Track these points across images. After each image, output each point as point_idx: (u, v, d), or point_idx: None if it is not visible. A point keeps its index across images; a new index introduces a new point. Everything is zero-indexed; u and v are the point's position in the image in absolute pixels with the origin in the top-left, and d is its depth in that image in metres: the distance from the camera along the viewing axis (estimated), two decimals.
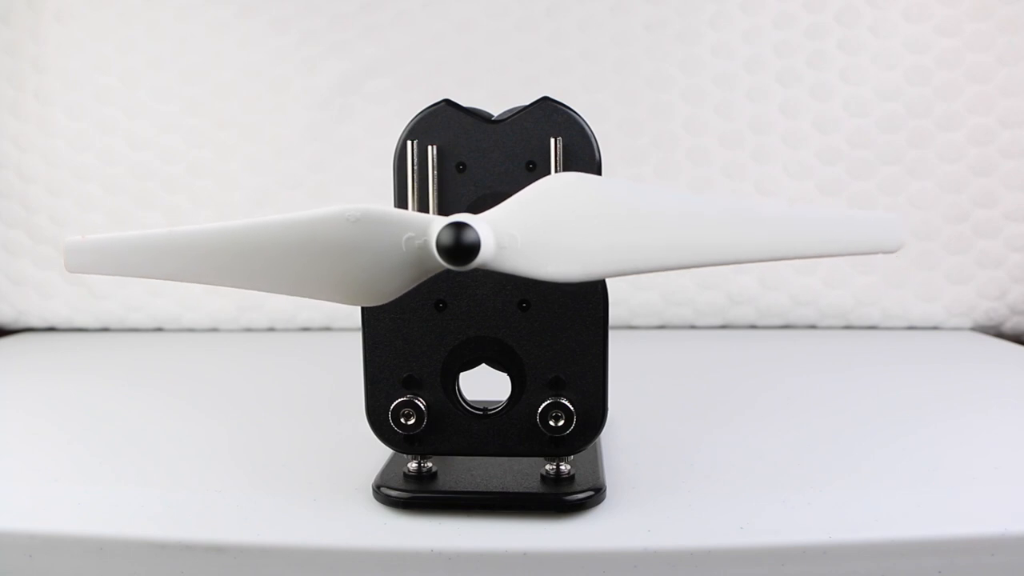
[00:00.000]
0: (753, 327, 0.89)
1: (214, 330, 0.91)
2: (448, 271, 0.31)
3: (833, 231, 0.31)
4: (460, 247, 0.29)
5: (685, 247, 0.31)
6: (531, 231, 0.31)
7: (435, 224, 0.30)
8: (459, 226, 0.29)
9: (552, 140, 0.38)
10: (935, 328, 0.88)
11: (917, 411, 0.55)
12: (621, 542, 0.36)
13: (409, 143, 0.39)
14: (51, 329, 0.93)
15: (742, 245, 0.31)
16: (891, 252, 0.32)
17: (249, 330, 0.91)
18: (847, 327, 0.89)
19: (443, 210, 0.39)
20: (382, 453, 0.43)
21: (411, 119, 0.40)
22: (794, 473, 0.43)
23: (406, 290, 0.32)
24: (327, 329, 0.91)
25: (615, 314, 0.85)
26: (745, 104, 0.87)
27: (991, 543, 0.36)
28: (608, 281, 0.38)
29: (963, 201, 0.86)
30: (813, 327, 0.89)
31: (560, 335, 0.38)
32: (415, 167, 0.39)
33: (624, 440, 0.48)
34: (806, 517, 0.38)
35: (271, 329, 0.91)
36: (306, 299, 0.88)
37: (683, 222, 0.31)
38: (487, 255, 0.30)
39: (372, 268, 0.31)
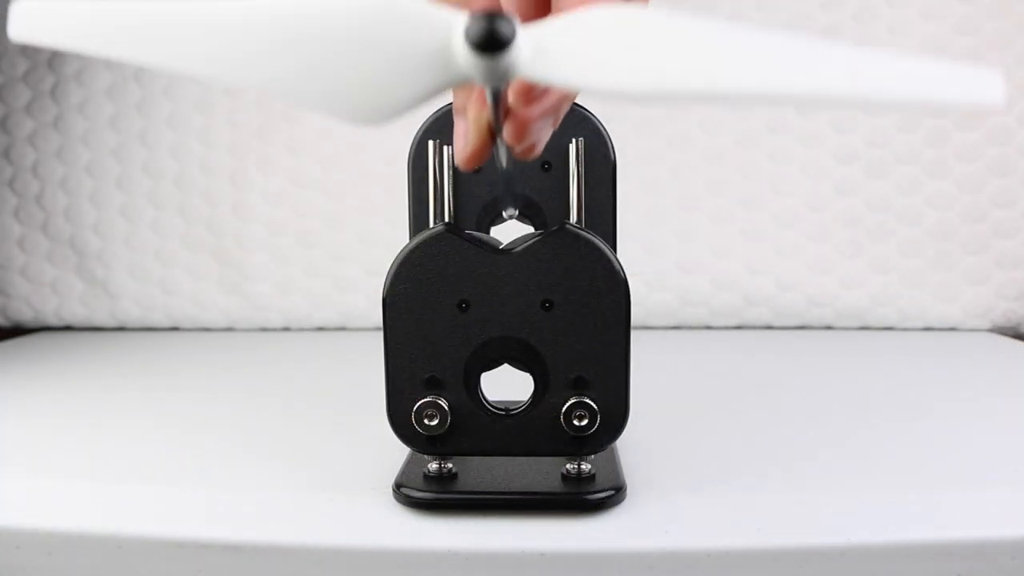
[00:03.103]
0: (769, 328, 0.89)
1: (230, 329, 0.92)
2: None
3: (926, 77, 0.26)
4: (493, 34, 0.24)
5: (756, 77, 0.25)
6: (575, 42, 0.26)
7: (463, 16, 0.25)
8: (494, 15, 0.24)
9: (574, 140, 0.38)
10: (953, 329, 0.88)
11: (936, 413, 0.55)
12: (638, 542, 0.36)
13: (425, 142, 0.39)
14: (67, 328, 0.94)
15: (818, 80, 0.25)
16: (991, 108, 0.27)
17: (265, 329, 0.91)
18: (864, 328, 0.88)
19: (458, 210, 0.39)
20: (400, 452, 0.43)
21: (426, 118, 0.40)
22: (812, 474, 0.43)
23: (419, 103, 0.27)
24: (343, 329, 0.91)
25: None
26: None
27: (1011, 546, 0.36)
28: None
29: (981, 201, 0.85)
30: (829, 328, 0.89)
31: (583, 335, 0.38)
32: (434, 166, 0.39)
33: (641, 440, 0.48)
34: (824, 518, 0.38)
35: (287, 329, 0.91)
36: (322, 297, 0.89)
37: (756, 51, 0.26)
38: (522, 53, 0.25)
39: (382, 69, 0.26)
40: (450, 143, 0.38)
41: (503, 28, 0.24)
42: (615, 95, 0.26)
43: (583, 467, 0.40)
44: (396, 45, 0.26)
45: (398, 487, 0.39)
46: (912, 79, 0.26)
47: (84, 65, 0.90)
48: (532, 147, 0.32)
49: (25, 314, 0.93)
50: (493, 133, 0.32)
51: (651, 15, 0.26)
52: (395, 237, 0.42)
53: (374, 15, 0.26)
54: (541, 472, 0.40)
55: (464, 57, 0.25)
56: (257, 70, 0.27)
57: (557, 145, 0.39)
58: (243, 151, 0.90)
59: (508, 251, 0.38)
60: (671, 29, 0.26)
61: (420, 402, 0.38)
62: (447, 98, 0.39)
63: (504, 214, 0.43)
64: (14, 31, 0.28)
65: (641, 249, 0.87)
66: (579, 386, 0.38)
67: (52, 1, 0.27)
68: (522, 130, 0.31)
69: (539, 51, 0.25)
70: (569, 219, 0.39)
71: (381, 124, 0.27)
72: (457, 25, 0.25)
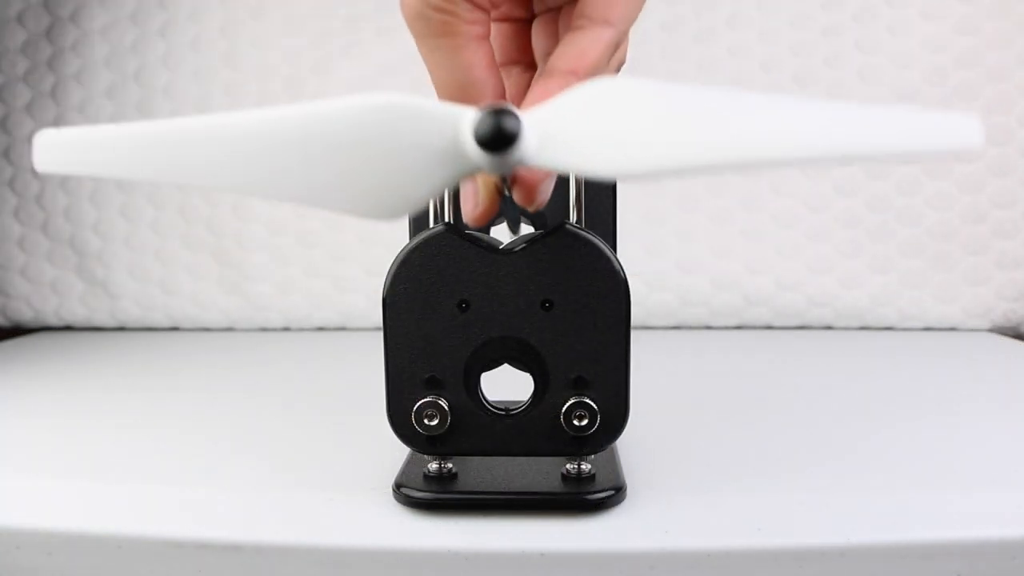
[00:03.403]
0: (769, 327, 0.89)
1: (230, 329, 0.92)
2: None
3: (907, 129, 0.27)
4: (500, 133, 0.25)
5: (745, 143, 0.26)
6: (575, 126, 0.27)
7: (470, 112, 0.26)
8: (499, 112, 0.26)
9: None
10: (953, 329, 0.87)
11: (935, 413, 0.55)
12: (638, 542, 0.36)
13: None
14: (68, 328, 0.94)
15: (806, 143, 0.27)
16: (969, 153, 0.28)
17: (264, 329, 0.91)
18: (863, 328, 0.88)
19: (458, 210, 0.39)
20: (399, 452, 0.43)
21: None
22: (812, 474, 0.43)
23: (431, 197, 0.28)
24: (343, 329, 0.91)
25: None
26: None
27: (1011, 546, 0.36)
28: None
29: (981, 202, 0.85)
30: (829, 328, 0.89)
31: (583, 335, 0.38)
32: None
33: (641, 440, 0.48)
34: (824, 518, 0.38)
35: (287, 329, 0.91)
36: (322, 297, 0.89)
37: (746, 117, 0.27)
38: (529, 146, 0.26)
39: (395, 168, 0.27)
40: None
41: (509, 125, 0.25)
42: (621, 178, 0.27)
43: (583, 467, 0.40)
44: (407, 145, 0.26)
45: (398, 487, 0.39)
46: (894, 134, 0.26)
47: (84, 65, 0.90)
48: (541, 202, 0.34)
49: (25, 314, 0.93)
50: (501, 192, 0.34)
51: (643, 87, 0.27)
52: (395, 237, 0.42)
53: (383, 117, 0.26)
54: (541, 472, 0.40)
55: (474, 152, 0.25)
56: (276, 180, 0.27)
57: None
58: None
59: (508, 251, 0.38)
60: (662, 100, 0.27)
61: (420, 402, 0.38)
62: None
63: (510, 231, 0.43)
64: (39, 162, 0.29)
65: (641, 249, 0.87)
66: (579, 386, 0.38)
67: (71, 130, 0.28)
68: (531, 192, 0.33)
69: (544, 140, 0.26)
70: (569, 219, 0.39)
71: (397, 219, 0.28)
72: (465, 122, 0.26)
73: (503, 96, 0.32)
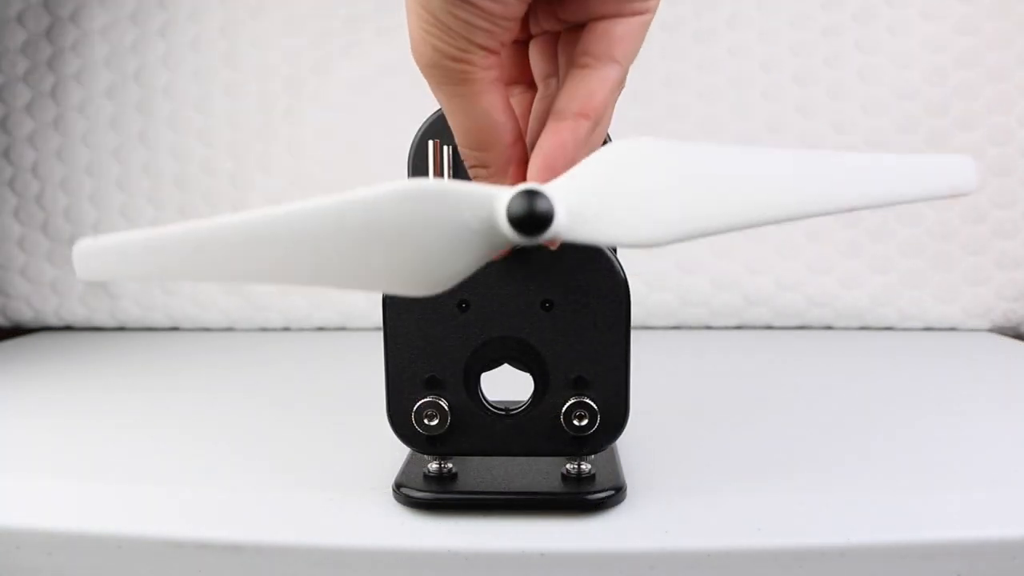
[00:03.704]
0: (769, 328, 0.89)
1: (230, 329, 0.92)
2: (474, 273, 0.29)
3: (908, 176, 0.29)
4: (533, 217, 0.26)
5: (763, 202, 0.28)
6: (602, 197, 0.28)
7: (502, 195, 0.27)
8: (531, 194, 0.26)
9: None
10: (953, 329, 0.87)
11: (935, 413, 0.55)
12: (638, 543, 0.36)
13: (425, 143, 0.39)
14: (68, 328, 0.94)
15: (818, 198, 0.28)
16: (966, 194, 0.30)
17: (265, 329, 0.91)
18: (863, 328, 0.88)
19: None
20: (400, 452, 0.43)
21: (427, 119, 0.40)
22: (812, 474, 0.43)
23: (471, 271, 0.29)
24: (343, 329, 0.91)
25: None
26: (761, 104, 0.87)
27: (1011, 546, 0.36)
28: None
29: (981, 201, 0.85)
30: (829, 328, 0.89)
31: (583, 335, 0.38)
32: (434, 166, 0.39)
33: (641, 440, 0.48)
34: (824, 518, 0.38)
35: (287, 329, 0.91)
36: (322, 297, 0.89)
37: (760, 178, 0.28)
38: (561, 224, 0.27)
39: (432, 251, 0.28)
40: (449, 143, 0.38)
41: (542, 207, 0.26)
42: (648, 246, 0.28)
43: (583, 467, 0.40)
44: (444, 228, 0.27)
45: (398, 487, 0.39)
46: (895, 181, 0.29)
47: (84, 65, 0.90)
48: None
49: (25, 314, 0.93)
50: None
51: (662, 148, 0.28)
52: None
53: (418, 204, 0.27)
54: (541, 472, 0.40)
55: (509, 232, 0.26)
56: (319, 271, 0.28)
57: None
58: (243, 151, 0.90)
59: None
60: (681, 162, 0.28)
61: (420, 402, 0.38)
62: None
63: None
64: (80, 271, 0.29)
65: (641, 249, 0.86)
66: (579, 386, 0.38)
67: (109, 239, 0.29)
68: (554, 244, 0.34)
69: (573, 216, 0.27)
70: None
71: (440, 291, 0.29)
72: (499, 204, 0.26)
73: (520, 137, 0.33)
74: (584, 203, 0.27)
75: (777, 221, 0.28)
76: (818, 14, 0.87)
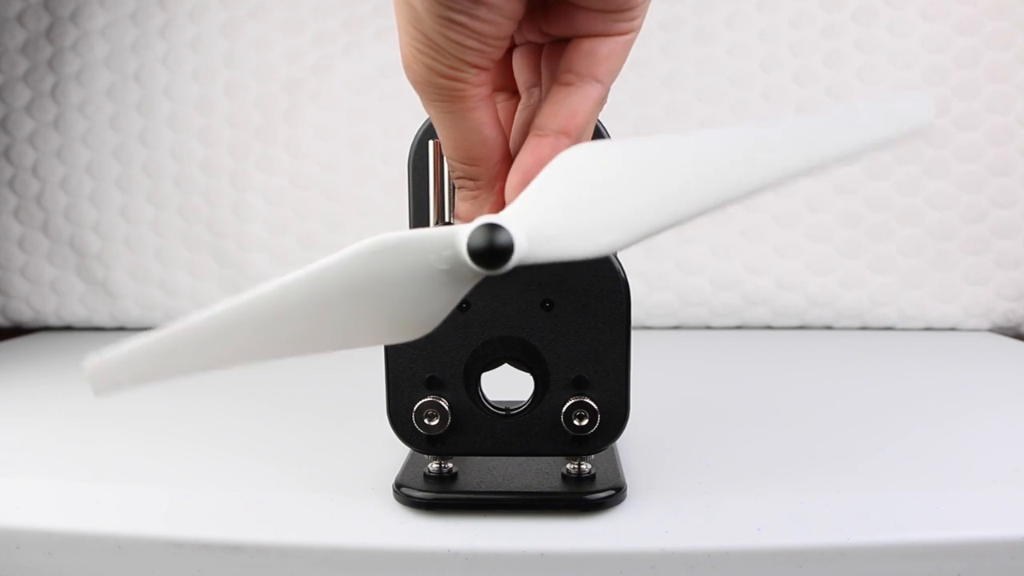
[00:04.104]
0: (769, 328, 0.89)
1: None
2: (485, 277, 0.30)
3: (863, 123, 0.29)
4: (494, 248, 0.27)
5: (719, 183, 0.28)
6: (558, 215, 0.28)
7: (461, 232, 0.28)
8: (488, 227, 0.27)
9: None
10: (953, 329, 0.87)
11: (935, 413, 0.55)
12: (638, 543, 0.36)
13: (426, 143, 0.39)
14: (68, 328, 0.94)
15: (774, 167, 0.28)
16: (924, 128, 0.29)
17: None
18: (863, 328, 0.88)
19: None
20: (400, 452, 0.43)
21: (426, 119, 0.40)
22: (811, 474, 0.43)
23: (451, 309, 0.30)
24: None
25: None
26: (761, 103, 0.87)
27: (1011, 546, 0.36)
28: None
29: (981, 201, 0.85)
30: (829, 328, 0.89)
31: (583, 335, 0.38)
32: (435, 166, 0.39)
33: (641, 441, 0.48)
34: (824, 518, 0.38)
35: None
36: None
37: (714, 157, 0.28)
38: (522, 251, 0.27)
39: (409, 297, 0.29)
40: None
41: (501, 240, 0.27)
42: (610, 252, 0.28)
43: (583, 467, 0.40)
44: (413, 275, 0.28)
45: (398, 487, 0.39)
46: (853, 131, 0.29)
47: (84, 65, 0.90)
48: None
49: (25, 314, 0.93)
50: None
51: (605, 152, 0.29)
52: None
53: (384, 257, 0.28)
54: (541, 472, 0.40)
55: (473, 266, 0.27)
56: (307, 340, 0.30)
57: None
58: (243, 151, 0.90)
59: None
60: (630, 161, 0.28)
61: (420, 402, 0.38)
62: None
63: None
64: (95, 388, 0.32)
65: (641, 249, 0.87)
66: (579, 386, 0.38)
67: (113, 353, 0.31)
68: None
69: (534, 241, 0.28)
70: None
71: (428, 332, 0.30)
72: (460, 240, 0.27)
73: (507, 151, 0.33)
74: (543, 225, 0.28)
75: (738, 199, 0.28)
76: (818, 14, 0.87)
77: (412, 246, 0.28)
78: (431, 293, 0.29)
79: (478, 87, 0.31)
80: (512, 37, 0.35)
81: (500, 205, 0.32)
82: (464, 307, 0.38)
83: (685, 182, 0.28)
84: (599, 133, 0.42)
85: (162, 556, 0.37)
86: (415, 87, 0.31)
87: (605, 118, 0.41)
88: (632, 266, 0.39)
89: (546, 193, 0.29)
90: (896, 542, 0.36)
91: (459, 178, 0.33)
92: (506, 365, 0.40)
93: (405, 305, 0.29)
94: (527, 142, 0.32)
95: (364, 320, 0.29)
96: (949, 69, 0.85)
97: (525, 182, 0.30)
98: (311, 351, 0.31)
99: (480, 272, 0.28)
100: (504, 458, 0.42)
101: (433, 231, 0.29)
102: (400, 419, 0.39)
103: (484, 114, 0.31)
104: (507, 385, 0.43)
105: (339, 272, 0.29)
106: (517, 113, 0.35)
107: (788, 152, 0.28)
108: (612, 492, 0.39)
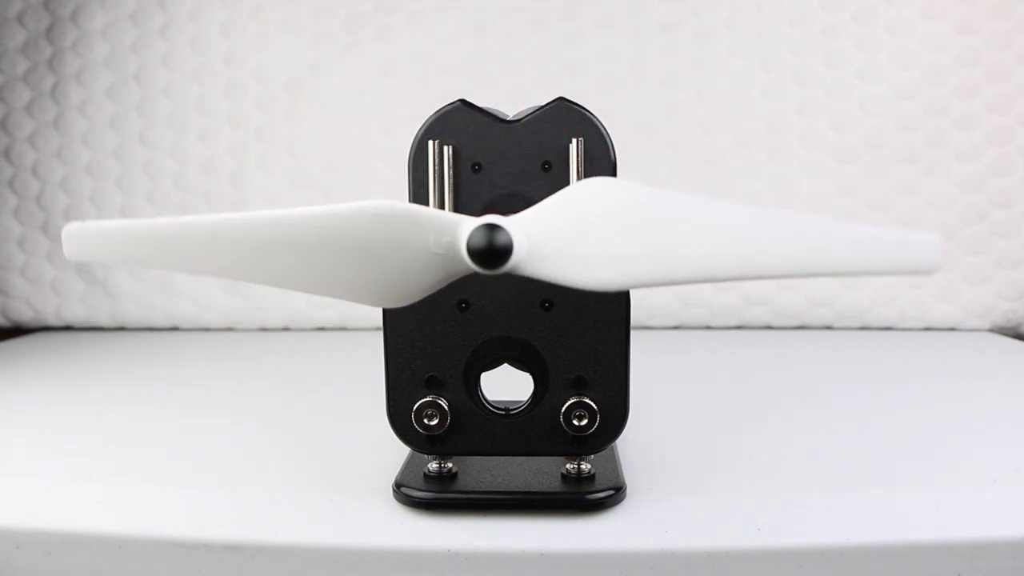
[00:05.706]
0: (769, 328, 0.89)
1: (230, 329, 0.92)
2: (474, 273, 0.30)
3: (870, 249, 0.30)
4: (492, 250, 0.27)
5: (722, 259, 0.29)
6: (563, 236, 0.29)
7: (465, 225, 0.28)
8: (491, 228, 0.28)
9: (574, 141, 0.38)
10: (953, 329, 0.87)
11: (935, 413, 0.54)
12: (638, 543, 0.36)
13: (426, 143, 0.39)
14: (68, 328, 0.94)
15: (778, 260, 0.29)
16: (928, 273, 0.30)
17: (264, 329, 0.91)
18: (863, 328, 0.88)
19: (459, 210, 0.39)
20: (399, 452, 0.43)
21: (427, 119, 0.40)
22: (812, 474, 0.43)
23: (431, 292, 0.30)
24: (342, 329, 0.91)
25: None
26: (761, 104, 0.87)
27: (1011, 546, 0.36)
28: None
29: (981, 201, 0.85)
30: (829, 328, 0.89)
31: (583, 335, 0.38)
32: (434, 166, 0.39)
33: (641, 441, 0.48)
34: (824, 518, 0.38)
35: (286, 329, 0.91)
36: (323, 298, 0.89)
37: (721, 233, 0.29)
38: (519, 258, 0.28)
39: (396, 268, 0.29)
40: (450, 143, 0.38)
41: (501, 241, 0.27)
42: (600, 289, 0.29)
43: (583, 467, 0.40)
44: (408, 248, 0.29)
45: (398, 487, 0.39)
46: (855, 253, 0.30)
47: (84, 65, 0.90)
48: None
49: (25, 314, 0.93)
50: None
51: (626, 192, 0.29)
52: None
53: (387, 223, 0.29)
54: (541, 472, 0.40)
55: (469, 261, 0.28)
56: (288, 274, 0.30)
57: (557, 145, 0.38)
58: (243, 151, 0.90)
59: None
60: (646, 208, 0.29)
61: (420, 402, 0.38)
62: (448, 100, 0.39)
63: None
64: (68, 251, 0.32)
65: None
66: (579, 386, 0.38)
67: (96, 224, 0.31)
68: None
69: (533, 252, 0.28)
70: None
71: (401, 305, 0.31)
72: (461, 233, 0.28)
73: None
74: (545, 241, 0.28)
75: (732, 279, 0.29)
76: (818, 14, 0.87)
77: (415, 220, 0.29)
78: (418, 271, 0.29)
79: None
80: None
81: None
82: (464, 307, 0.38)
83: (695, 248, 0.28)
84: (599, 133, 0.41)
85: (162, 556, 0.37)
86: None
87: (605, 118, 0.41)
88: None
89: (557, 213, 0.29)
90: (896, 542, 0.36)
91: None
92: (506, 365, 0.40)
93: (390, 274, 0.29)
94: None
95: (345, 273, 0.30)
96: (949, 69, 0.85)
97: None
98: (286, 285, 0.30)
99: (472, 267, 0.28)
100: (504, 458, 0.42)
101: (440, 214, 0.29)
102: (400, 419, 0.39)
103: None
104: (507, 385, 0.43)
105: (339, 222, 0.29)
106: None
107: (795, 252, 0.29)
108: (612, 492, 0.39)
